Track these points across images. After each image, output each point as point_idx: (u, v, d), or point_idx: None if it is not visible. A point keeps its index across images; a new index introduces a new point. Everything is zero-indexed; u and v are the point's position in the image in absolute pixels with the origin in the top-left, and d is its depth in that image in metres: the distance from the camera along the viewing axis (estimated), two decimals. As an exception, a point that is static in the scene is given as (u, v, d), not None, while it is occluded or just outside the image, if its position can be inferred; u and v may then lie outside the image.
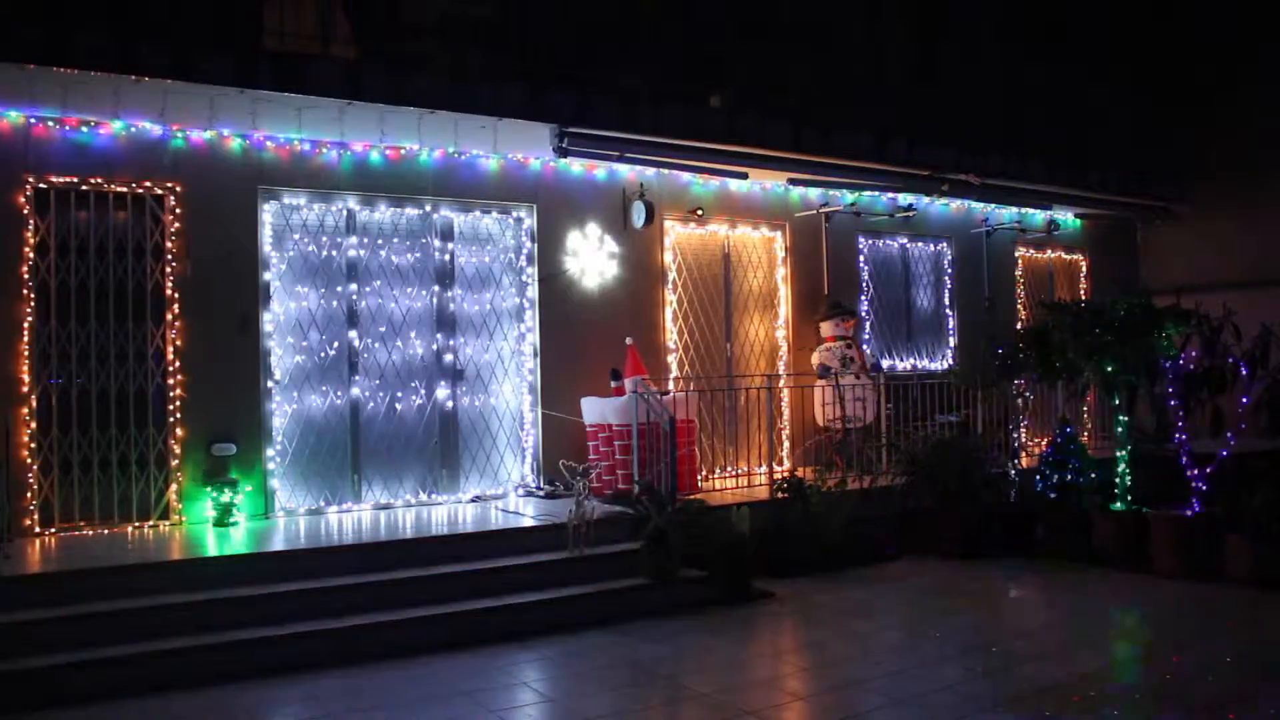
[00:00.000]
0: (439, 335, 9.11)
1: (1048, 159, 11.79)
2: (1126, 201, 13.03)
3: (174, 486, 7.91)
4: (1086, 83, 12.87)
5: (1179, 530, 8.03)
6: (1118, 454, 8.76)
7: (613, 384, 9.15)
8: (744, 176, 10.14)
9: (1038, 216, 12.87)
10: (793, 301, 10.96)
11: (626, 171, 9.75)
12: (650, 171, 9.80)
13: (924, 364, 11.98)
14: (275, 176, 8.34)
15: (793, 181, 10.61)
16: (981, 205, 12.30)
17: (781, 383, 10.65)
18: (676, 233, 10.28)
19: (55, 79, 6.79)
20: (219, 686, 5.65)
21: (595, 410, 8.97)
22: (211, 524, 7.77)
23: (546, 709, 5.36)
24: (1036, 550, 9.02)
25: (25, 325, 7.49)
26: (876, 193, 11.16)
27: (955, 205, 12.23)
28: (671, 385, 9.71)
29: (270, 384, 8.33)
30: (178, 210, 7.99)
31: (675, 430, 8.13)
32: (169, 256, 7.97)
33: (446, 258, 9.17)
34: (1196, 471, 8.12)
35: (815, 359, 10.61)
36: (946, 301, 12.38)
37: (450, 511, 8.58)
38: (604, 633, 6.69)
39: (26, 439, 7.46)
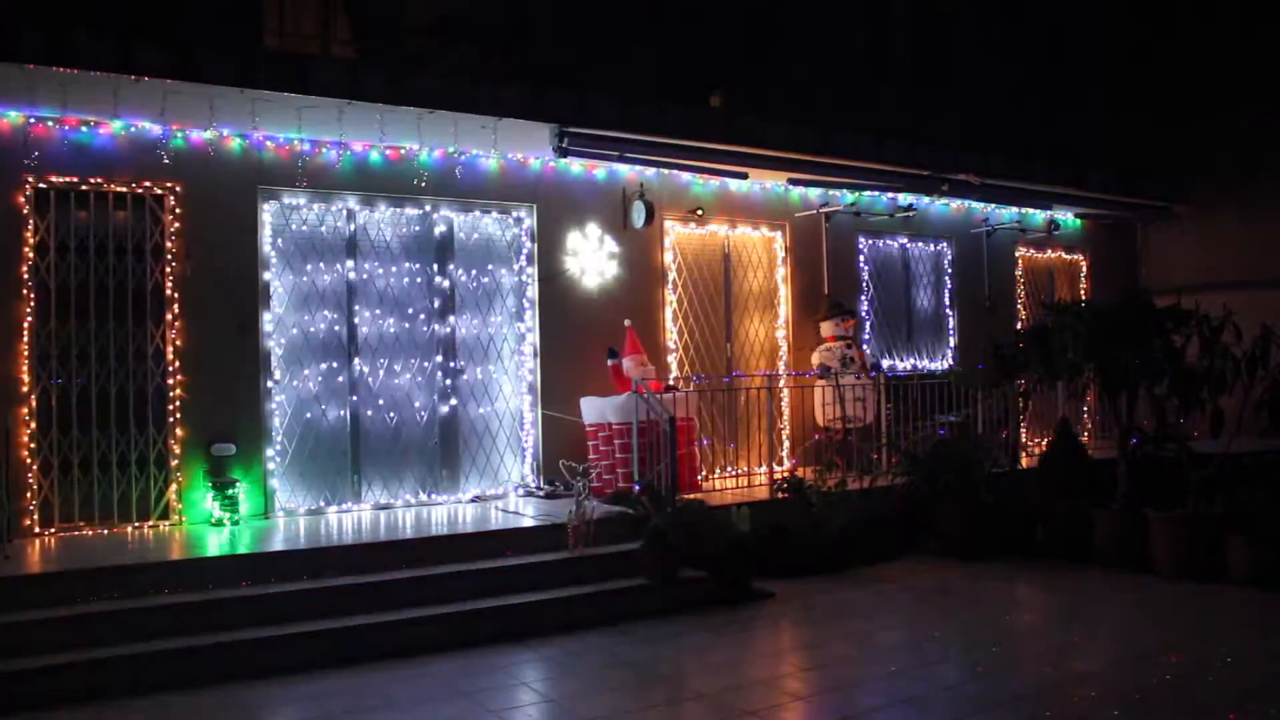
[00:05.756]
0: (438, 335, 9.10)
1: (1048, 159, 11.79)
2: (1126, 201, 13.02)
3: (174, 486, 7.91)
4: (1087, 83, 12.88)
5: (1179, 530, 8.03)
6: (1118, 454, 8.75)
7: (609, 361, 9.17)
8: (744, 176, 10.14)
9: (1038, 216, 12.86)
10: (793, 301, 10.96)
11: (626, 171, 9.75)
12: (650, 171, 9.80)
13: (924, 364, 11.97)
14: (275, 176, 8.34)
15: (793, 181, 10.61)
16: (981, 205, 12.30)
17: (781, 383, 10.65)
18: (676, 233, 10.27)
19: (55, 79, 6.78)
20: (219, 686, 5.65)
21: (595, 410, 8.97)
22: (211, 524, 7.77)
23: (546, 709, 5.36)
24: (1036, 550, 9.02)
25: (25, 325, 7.49)
26: (876, 193, 11.15)
27: (955, 205, 12.23)
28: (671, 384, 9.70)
29: (270, 384, 8.33)
30: (178, 210, 7.99)
31: (675, 430, 8.12)
32: (169, 256, 7.97)
33: (446, 257, 9.17)
34: (1196, 471, 8.12)
35: (815, 359, 10.61)
36: (946, 301, 12.38)
37: (450, 511, 8.58)
38: (604, 633, 6.69)
39: (26, 439, 7.46)
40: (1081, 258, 13.88)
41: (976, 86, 11.76)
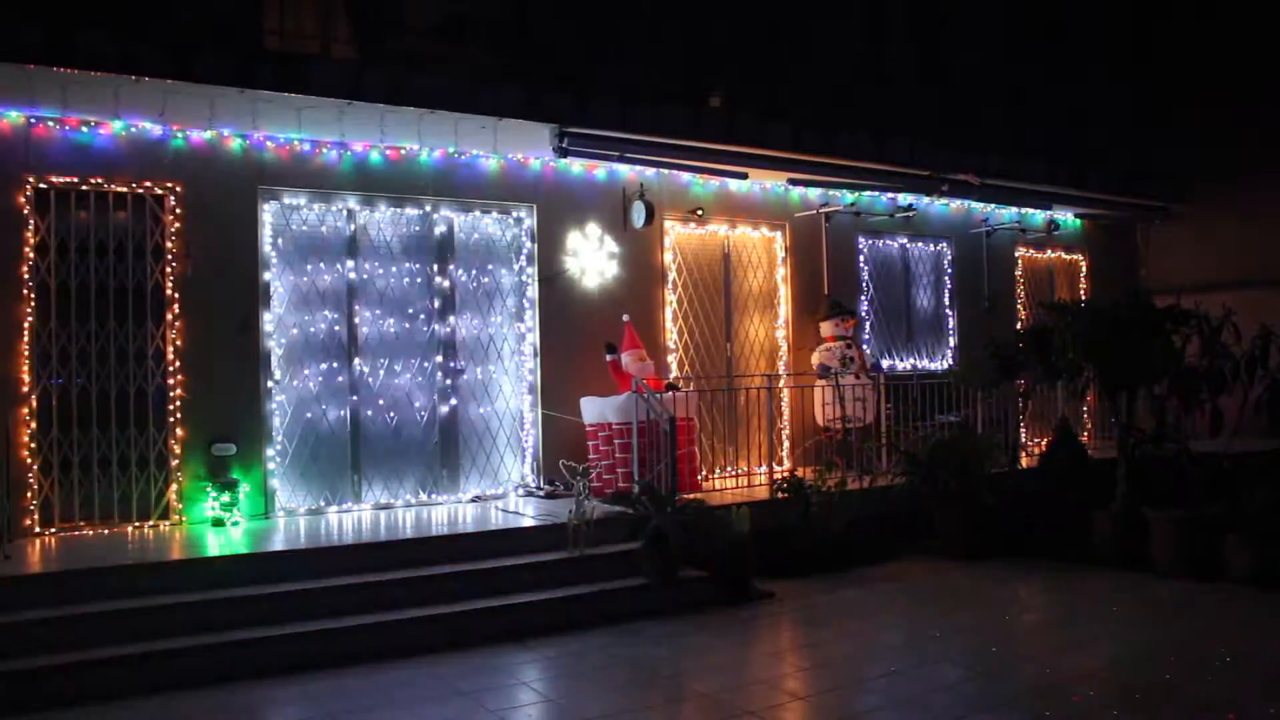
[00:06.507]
0: (438, 335, 9.10)
1: (1048, 159, 11.79)
2: (1126, 201, 13.03)
3: (174, 486, 7.91)
4: (1087, 83, 12.88)
5: (1179, 530, 8.03)
6: (1118, 454, 8.75)
7: (608, 357, 9.18)
8: (744, 176, 10.14)
9: (1038, 216, 12.87)
10: (793, 301, 10.96)
11: (626, 171, 9.75)
12: (650, 171, 9.80)
13: (924, 364, 11.98)
14: (275, 176, 8.34)
15: (793, 181, 10.61)
16: (981, 205, 12.30)
17: (781, 383, 10.65)
18: (676, 233, 10.28)
19: (55, 79, 6.79)
20: (219, 686, 5.66)
21: (595, 410, 8.98)
22: (211, 524, 7.77)
23: (546, 709, 5.36)
24: (1036, 550, 9.01)
25: (25, 325, 7.49)
26: (876, 193, 11.16)
27: (955, 205, 12.23)
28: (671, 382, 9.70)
29: (270, 384, 8.33)
30: (178, 210, 7.99)
31: (675, 430, 8.13)
32: (169, 256, 7.97)
33: (446, 257, 9.17)
34: (1196, 471, 8.12)
35: (815, 359, 10.61)
36: (946, 301, 12.38)
37: (450, 511, 8.58)
38: (604, 633, 6.69)
39: (26, 439, 7.46)
40: (1081, 258, 13.89)
41: (977, 86, 11.75)
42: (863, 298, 11.53)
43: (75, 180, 7.68)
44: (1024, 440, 11.36)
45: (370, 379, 8.80)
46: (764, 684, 5.68)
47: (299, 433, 8.48)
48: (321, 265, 8.66)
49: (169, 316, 7.95)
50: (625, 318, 9.41)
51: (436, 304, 9.11)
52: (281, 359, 8.44)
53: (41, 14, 6.60)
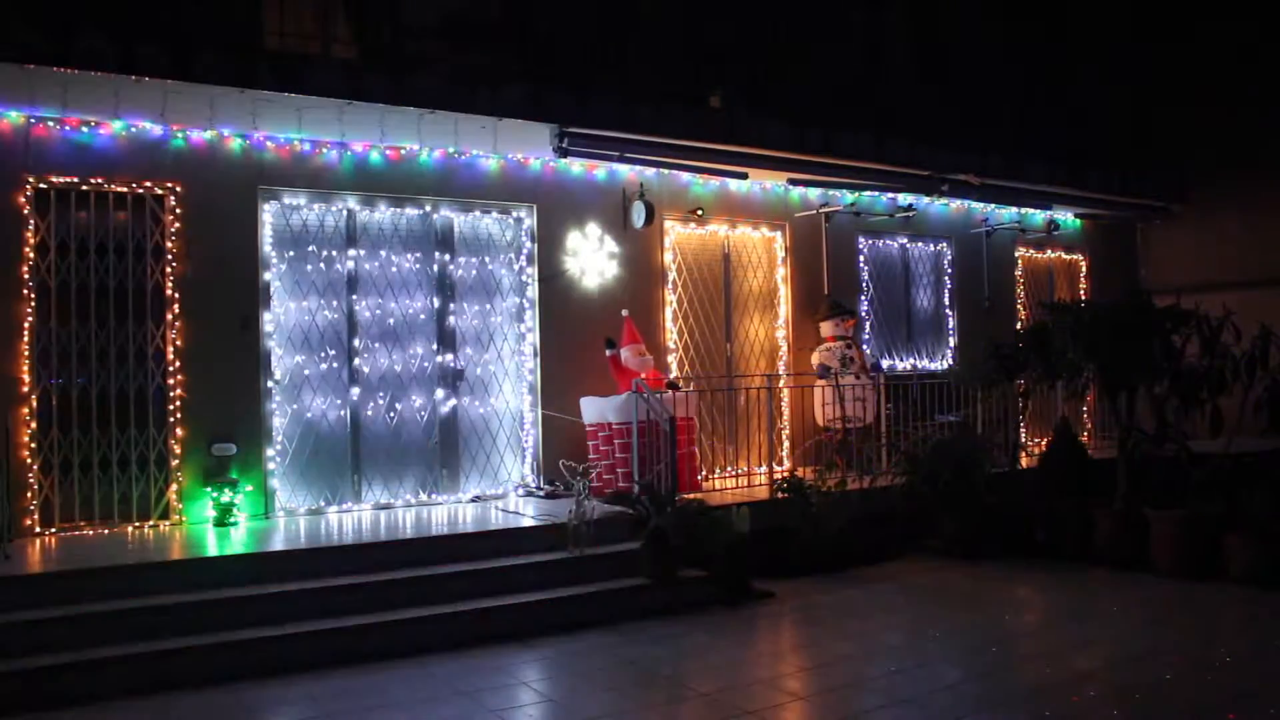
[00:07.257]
0: (439, 335, 9.11)
1: (1048, 159, 11.79)
2: (1126, 201, 13.03)
3: (174, 486, 7.91)
4: (1086, 82, 12.89)
5: (1179, 530, 8.04)
6: (1118, 454, 8.76)
7: (608, 352, 9.18)
8: (744, 176, 10.14)
9: (1038, 216, 12.87)
10: (793, 301, 10.96)
11: (626, 171, 9.75)
12: (650, 171, 9.80)
13: (924, 364, 11.97)
14: (275, 176, 8.34)
15: (793, 181, 10.61)
16: (981, 205, 12.30)
17: (781, 383, 10.65)
18: (676, 233, 10.28)
19: (55, 79, 6.79)
20: (219, 686, 5.66)
21: (595, 410, 8.98)
22: (211, 524, 7.77)
23: (546, 709, 5.36)
24: (1036, 550, 9.02)
25: (25, 325, 7.49)
26: (876, 193, 11.16)
27: (955, 205, 12.23)
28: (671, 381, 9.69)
29: (270, 384, 8.33)
30: (178, 210, 7.99)
31: (675, 430, 8.12)
32: (169, 256, 7.97)
33: (446, 258, 9.17)
34: (1196, 471, 8.12)
35: (815, 359, 10.61)
36: (946, 301, 12.38)
37: (450, 511, 8.58)
38: (604, 633, 6.69)
39: (26, 439, 7.46)
40: (1081, 258, 13.88)
41: (976, 86, 11.76)
42: (863, 298, 11.53)
43: (75, 180, 7.68)
44: (1024, 440, 11.36)
45: (370, 380, 8.80)
46: (764, 684, 5.68)
47: (299, 433, 8.48)
48: (321, 265, 8.66)
49: (169, 316, 7.95)
50: (625, 313, 9.43)
51: (436, 304, 9.11)
52: (281, 359, 8.44)
53: (41, 14, 6.60)
